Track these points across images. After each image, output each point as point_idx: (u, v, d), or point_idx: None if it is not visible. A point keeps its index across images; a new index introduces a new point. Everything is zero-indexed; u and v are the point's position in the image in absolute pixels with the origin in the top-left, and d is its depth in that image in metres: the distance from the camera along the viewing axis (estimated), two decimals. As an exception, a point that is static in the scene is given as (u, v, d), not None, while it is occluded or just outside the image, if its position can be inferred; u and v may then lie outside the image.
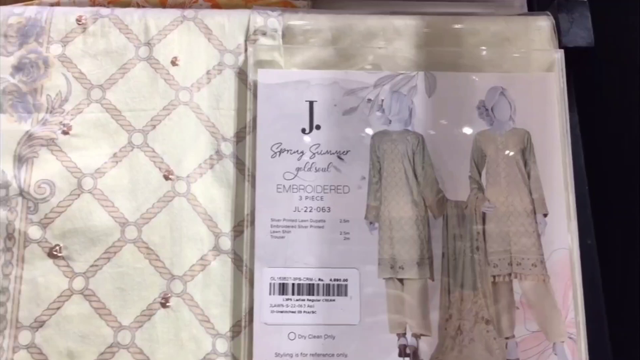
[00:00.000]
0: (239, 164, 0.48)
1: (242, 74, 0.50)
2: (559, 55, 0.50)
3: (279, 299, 0.45)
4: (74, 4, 0.53)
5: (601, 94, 0.52)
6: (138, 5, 0.53)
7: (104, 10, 0.51)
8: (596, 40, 0.51)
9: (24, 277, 0.45)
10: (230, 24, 0.51)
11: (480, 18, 0.52)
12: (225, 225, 0.47)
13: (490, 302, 0.46)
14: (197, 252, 0.46)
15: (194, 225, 0.47)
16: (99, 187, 0.47)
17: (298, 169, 0.48)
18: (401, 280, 0.46)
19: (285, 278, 0.46)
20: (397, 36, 0.51)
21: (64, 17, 0.51)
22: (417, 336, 0.45)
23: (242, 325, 0.45)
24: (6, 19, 0.50)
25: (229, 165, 0.48)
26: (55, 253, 0.46)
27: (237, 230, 0.47)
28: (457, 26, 0.52)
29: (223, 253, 0.47)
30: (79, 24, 0.50)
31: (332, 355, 0.45)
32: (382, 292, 0.46)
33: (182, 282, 0.46)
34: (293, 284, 0.46)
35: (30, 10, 0.51)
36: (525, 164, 0.48)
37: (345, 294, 0.46)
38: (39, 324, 0.44)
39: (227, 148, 0.49)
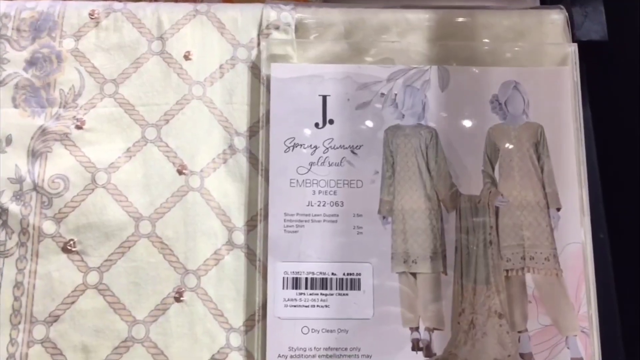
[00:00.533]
0: (252, 159, 0.48)
1: (255, 69, 0.50)
2: (572, 49, 0.50)
3: (292, 293, 0.46)
4: (87, -2, 0.53)
5: (615, 88, 0.51)
6: (150, -1, 0.53)
7: (117, 5, 0.51)
8: (610, 34, 0.51)
9: (38, 272, 0.45)
10: (243, 18, 0.51)
11: (493, 12, 0.52)
12: (239, 219, 0.47)
13: (503, 296, 0.46)
14: (210, 246, 0.46)
15: (207, 220, 0.47)
16: (113, 182, 0.47)
17: (311, 164, 0.48)
18: (414, 275, 0.46)
19: (298, 272, 0.46)
20: (410, 30, 0.51)
21: (76, 11, 0.50)
22: (430, 330, 0.45)
23: (256, 319, 0.45)
24: (19, 13, 0.50)
25: (242, 160, 0.48)
26: (69, 248, 0.46)
27: (251, 225, 0.47)
28: (470, 20, 0.51)
29: (236, 247, 0.47)
30: (92, 18, 0.50)
31: (346, 349, 0.45)
32: (395, 286, 0.46)
33: (196, 276, 0.46)
34: (306, 278, 0.46)
35: (42, 5, 0.50)
36: (539, 158, 0.48)
37: (359, 288, 0.46)
38: (53, 319, 0.45)
39: (241, 143, 0.49)
